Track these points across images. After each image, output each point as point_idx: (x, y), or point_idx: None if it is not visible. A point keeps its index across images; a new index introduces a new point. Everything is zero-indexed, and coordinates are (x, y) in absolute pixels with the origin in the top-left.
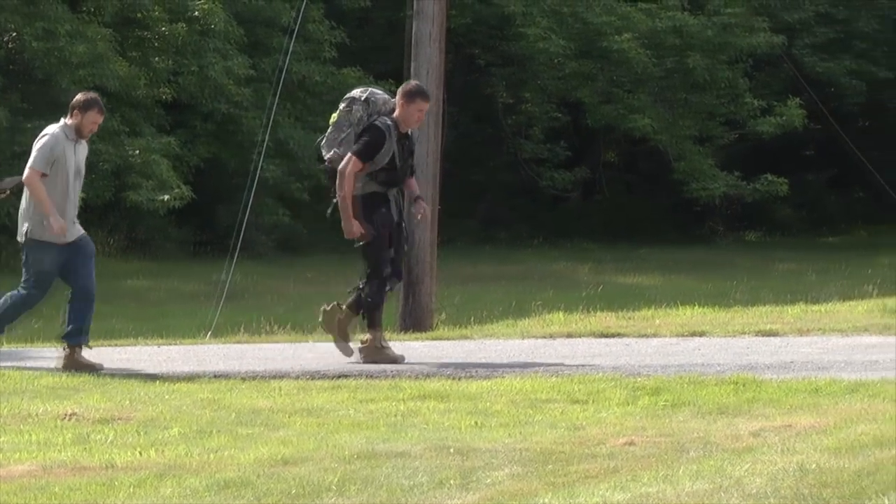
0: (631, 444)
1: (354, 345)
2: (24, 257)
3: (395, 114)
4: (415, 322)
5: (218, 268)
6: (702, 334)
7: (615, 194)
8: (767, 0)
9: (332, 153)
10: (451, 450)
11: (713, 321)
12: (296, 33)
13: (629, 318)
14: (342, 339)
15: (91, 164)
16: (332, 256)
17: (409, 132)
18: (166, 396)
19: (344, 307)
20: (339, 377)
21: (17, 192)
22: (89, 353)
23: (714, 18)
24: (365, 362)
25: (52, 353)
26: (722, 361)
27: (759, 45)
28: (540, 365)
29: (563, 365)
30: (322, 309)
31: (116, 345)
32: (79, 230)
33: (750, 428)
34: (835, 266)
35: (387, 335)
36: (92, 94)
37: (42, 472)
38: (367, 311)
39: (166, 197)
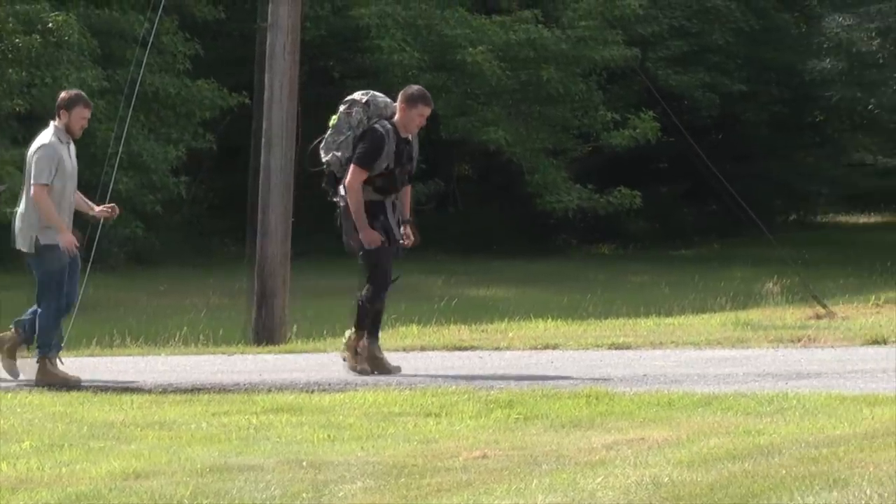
0: (484, 457)
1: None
2: (35, 267)
3: (396, 118)
4: (268, 335)
5: None
6: (555, 347)
7: (469, 207)
8: (621, 13)
9: (330, 156)
10: (304, 463)
11: (567, 334)
12: (150, 45)
13: (483, 331)
14: (381, 368)
15: None
16: (186, 269)
17: (410, 137)
18: (18, 409)
19: (352, 331)
20: (192, 390)
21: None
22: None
23: (568, 31)
24: (360, 371)
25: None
26: (575, 374)
27: (613, 57)
28: (393, 378)
29: (416, 378)
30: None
31: None
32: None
33: (603, 441)
34: (688, 279)
35: (239, 348)
36: (74, 91)
37: None
38: (369, 316)
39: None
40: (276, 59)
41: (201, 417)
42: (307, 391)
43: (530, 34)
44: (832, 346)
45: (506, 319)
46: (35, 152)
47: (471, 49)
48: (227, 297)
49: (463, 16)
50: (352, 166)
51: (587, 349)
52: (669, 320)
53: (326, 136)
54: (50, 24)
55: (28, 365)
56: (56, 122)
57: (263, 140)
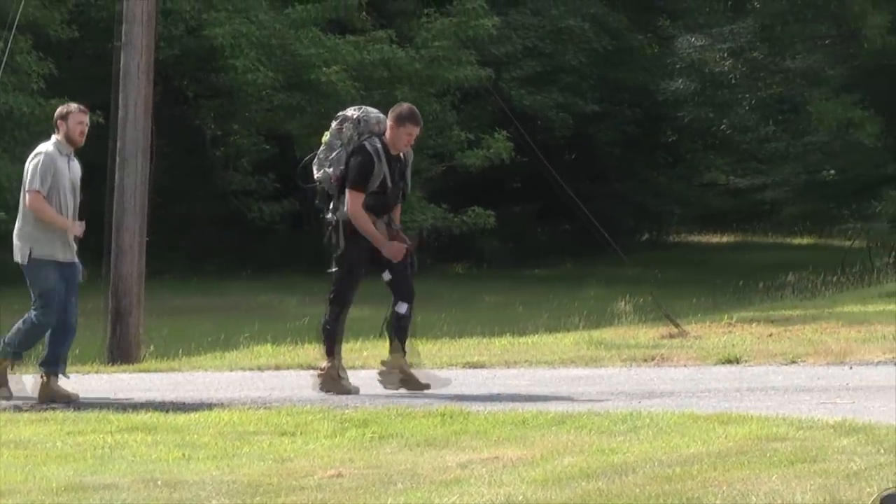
0: (339, 476)
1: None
2: (28, 280)
3: (386, 135)
4: (122, 354)
5: None
6: (410, 366)
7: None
8: (475, 33)
9: (321, 173)
10: (159, 482)
11: (421, 353)
12: (3, 65)
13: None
14: (414, 383)
15: None
16: None
17: (401, 154)
18: None
19: (391, 353)
20: (47, 409)
21: None
22: (65, 382)
23: (422, 51)
24: (321, 390)
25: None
26: (429, 393)
27: (466, 77)
28: (248, 397)
29: (271, 397)
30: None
31: None
32: (74, 250)
33: (457, 460)
34: (542, 298)
35: (94, 367)
36: (70, 104)
37: None
38: (325, 336)
39: None
40: (131, 79)
41: (56, 436)
42: (162, 410)
43: (384, 54)
44: (685, 365)
45: (360, 338)
46: (31, 160)
47: (325, 69)
48: (82, 316)
49: (317, 35)
50: (347, 192)
51: (441, 368)
52: (523, 339)
53: (318, 152)
54: None
55: (29, 382)
56: (56, 135)
57: (118, 159)
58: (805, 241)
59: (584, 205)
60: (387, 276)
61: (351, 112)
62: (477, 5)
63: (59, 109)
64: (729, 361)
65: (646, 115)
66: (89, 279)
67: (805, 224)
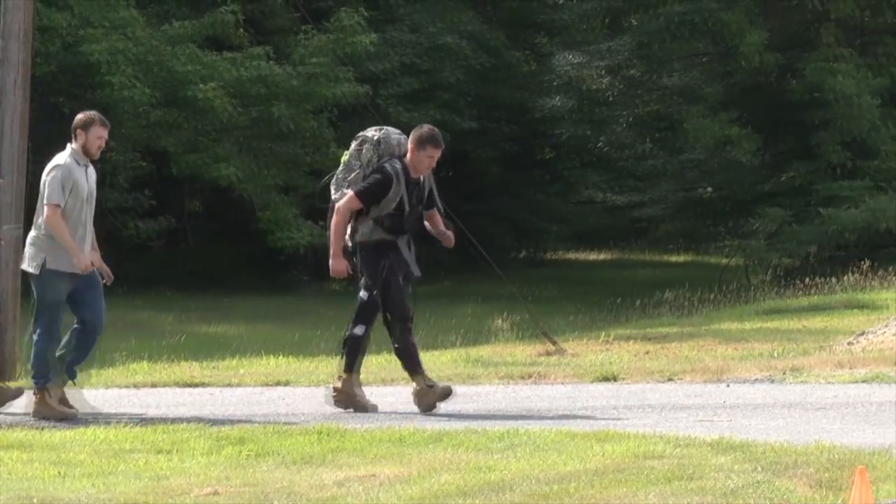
0: (215, 493)
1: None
2: (36, 290)
3: (407, 158)
4: None
5: None
6: (286, 384)
7: (200, 243)
8: (352, 50)
9: (339, 194)
10: (35, 500)
11: (297, 370)
12: None
13: (214, 368)
14: (360, 405)
15: None
16: None
17: (421, 178)
18: None
19: (342, 375)
20: None
21: None
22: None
23: (299, 68)
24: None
25: None
26: (306, 411)
27: (344, 94)
28: (124, 415)
29: (146, 415)
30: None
31: None
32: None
33: (334, 477)
34: (419, 316)
35: None
36: (90, 112)
37: None
38: (402, 359)
39: None
40: (7, 96)
41: None
42: (37, 428)
43: (261, 71)
44: (562, 383)
45: (237, 356)
46: (48, 173)
47: (202, 85)
48: None
49: (194, 52)
50: (350, 192)
51: (318, 385)
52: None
53: (337, 172)
54: None
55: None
56: (73, 144)
57: None
58: (682, 258)
59: (461, 222)
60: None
61: (371, 133)
62: (354, 22)
63: (80, 118)
64: (606, 379)
65: (523, 133)
66: None
67: (682, 242)
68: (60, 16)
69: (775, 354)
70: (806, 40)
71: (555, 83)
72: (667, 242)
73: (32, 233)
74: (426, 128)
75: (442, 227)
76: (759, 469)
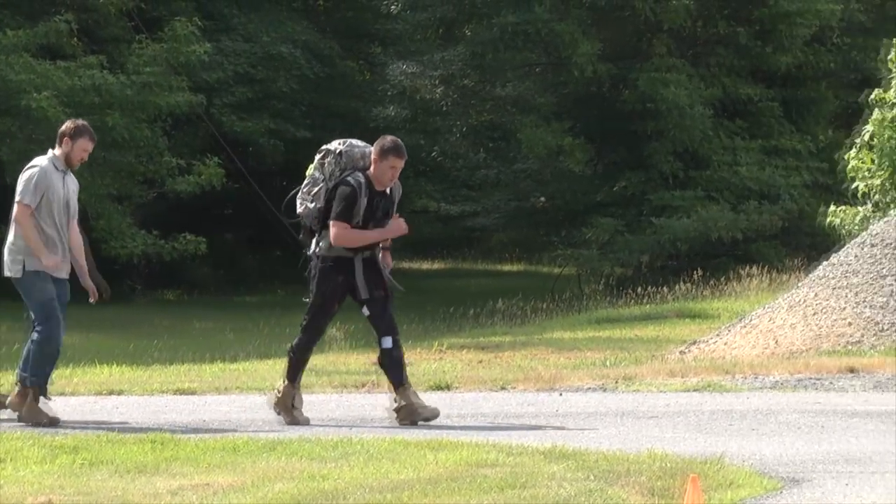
0: (49, 502)
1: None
2: (24, 294)
3: (370, 170)
4: None
5: None
6: (120, 393)
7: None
8: (186, 59)
9: (303, 208)
10: None
11: (132, 380)
12: None
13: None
14: (291, 417)
15: None
16: None
17: (388, 190)
18: None
19: (283, 381)
20: None
21: None
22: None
23: (133, 77)
24: (274, 410)
25: None
26: (141, 420)
27: (178, 104)
28: None
29: None
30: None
31: None
32: (67, 271)
33: (168, 486)
34: (253, 325)
35: None
36: (81, 122)
37: None
38: (290, 361)
39: None
40: None
41: None
42: None
43: (95, 80)
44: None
45: (71, 365)
46: (24, 172)
47: (35, 94)
48: None
49: (27, 61)
50: (332, 224)
51: (152, 395)
52: (234, 366)
53: (302, 186)
54: None
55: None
56: (56, 150)
57: None
58: (515, 267)
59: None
60: (366, 311)
61: (335, 145)
62: (188, 32)
63: (70, 126)
64: (440, 388)
65: None
66: None
67: (515, 251)
68: None
69: (608, 363)
70: (639, 51)
71: (389, 93)
72: (500, 252)
73: (10, 236)
74: (388, 138)
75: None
76: (592, 477)
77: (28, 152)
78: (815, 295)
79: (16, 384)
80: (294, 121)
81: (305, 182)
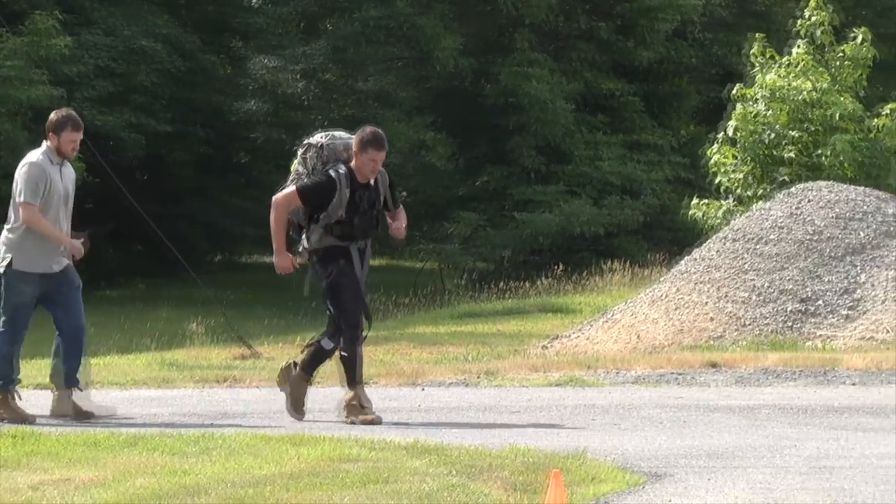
0: None
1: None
2: (4, 288)
3: (352, 163)
4: None
5: None
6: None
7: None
8: (47, 53)
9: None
10: None
11: None
12: None
13: None
14: (295, 407)
15: None
16: None
17: (372, 182)
18: None
19: (298, 367)
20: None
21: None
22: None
23: None
24: (347, 420)
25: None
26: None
27: (38, 97)
28: None
29: None
30: (280, 367)
31: None
32: (65, 260)
33: (29, 481)
34: (113, 320)
35: None
36: (64, 112)
37: None
38: (346, 366)
39: None
40: None
41: None
42: None
43: None
44: (258, 387)
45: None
46: (21, 169)
47: None
48: None
49: None
50: (292, 188)
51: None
52: (94, 360)
53: (287, 182)
54: None
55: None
56: (48, 143)
57: None
58: (378, 262)
59: (157, 225)
60: None
61: (316, 139)
62: (49, 25)
63: (53, 119)
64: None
65: (219, 136)
66: None
67: (377, 245)
68: None
69: (470, 358)
70: (501, 45)
71: (250, 87)
72: None
73: (4, 231)
74: (368, 130)
75: (400, 219)
76: (455, 472)
77: None
78: (677, 290)
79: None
80: (155, 115)
81: (291, 178)
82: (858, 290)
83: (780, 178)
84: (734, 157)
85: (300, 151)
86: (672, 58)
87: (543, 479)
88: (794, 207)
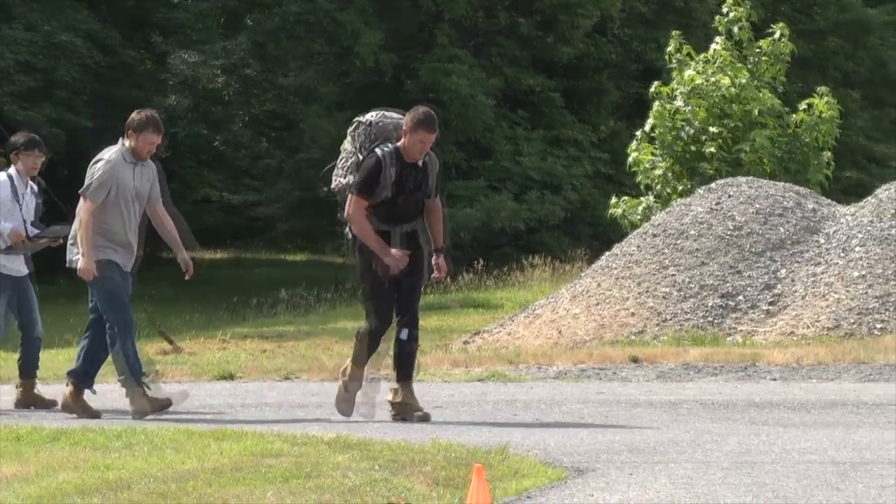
0: None
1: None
2: (91, 284)
3: (401, 142)
4: None
5: None
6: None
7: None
8: None
9: (335, 183)
10: None
11: None
12: None
13: None
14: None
15: None
16: None
17: (421, 163)
18: None
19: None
20: None
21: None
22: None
23: None
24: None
25: None
26: None
27: None
28: None
29: None
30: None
31: None
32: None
33: None
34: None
35: None
36: (147, 113)
37: None
38: (360, 347)
39: None
40: None
41: None
42: None
43: None
44: (180, 381)
45: None
46: (93, 164)
47: None
48: None
49: None
50: (350, 197)
51: None
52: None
53: (337, 161)
54: None
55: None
56: (125, 141)
57: None
58: (300, 257)
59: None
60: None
61: (368, 116)
62: None
63: (135, 119)
64: (224, 378)
65: None
66: None
67: (300, 241)
68: None
69: (391, 353)
70: (421, 41)
71: (171, 82)
72: (284, 241)
73: (75, 225)
74: (421, 110)
75: (440, 235)
76: (377, 467)
77: None
78: (598, 285)
79: (67, 384)
80: (76, 110)
81: (340, 157)
82: (779, 286)
83: (700, 172)
84: (653, 154)
85: (350, 129)
86: (592, 54)
87: (466, 474)
88: (714, 203)
